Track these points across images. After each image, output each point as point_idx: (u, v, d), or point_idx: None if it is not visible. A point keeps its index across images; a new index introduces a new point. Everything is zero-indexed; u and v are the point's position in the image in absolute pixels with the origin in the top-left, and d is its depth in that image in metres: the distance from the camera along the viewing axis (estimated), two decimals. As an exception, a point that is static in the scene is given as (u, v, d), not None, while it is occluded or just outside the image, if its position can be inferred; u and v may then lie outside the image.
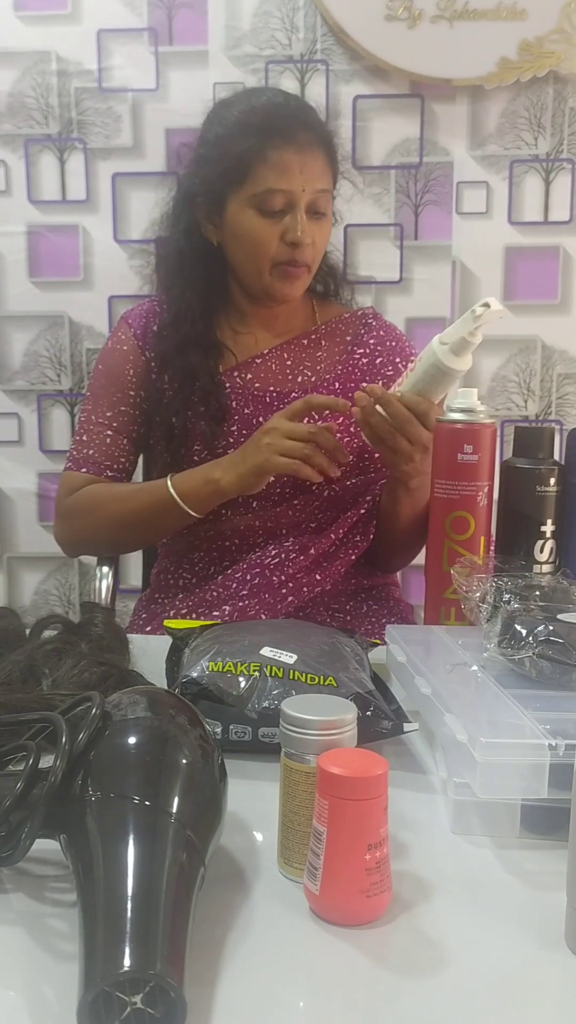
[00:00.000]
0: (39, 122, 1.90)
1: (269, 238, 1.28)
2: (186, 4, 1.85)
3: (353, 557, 1.34)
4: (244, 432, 1.31)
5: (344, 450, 1.19)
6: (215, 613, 1.27)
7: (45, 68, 1.88)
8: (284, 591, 1.28)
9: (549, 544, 1.06)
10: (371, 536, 1.36)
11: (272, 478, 1.24)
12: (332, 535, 1.31)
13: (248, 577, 1.29)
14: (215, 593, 1.31)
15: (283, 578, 1.28)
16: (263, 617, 1.25)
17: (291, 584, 1.28)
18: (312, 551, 1.29)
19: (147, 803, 0.55)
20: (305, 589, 1.29)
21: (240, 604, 1.27)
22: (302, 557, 1.29)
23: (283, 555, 1.30)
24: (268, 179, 1.26)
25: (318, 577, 1.30)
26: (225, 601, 1.29)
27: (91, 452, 1.36)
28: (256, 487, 1.23)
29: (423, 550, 1.26)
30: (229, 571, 1.32)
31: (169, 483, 1.26)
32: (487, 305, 1.02)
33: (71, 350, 1.96)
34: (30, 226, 1.93)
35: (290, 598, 1.27)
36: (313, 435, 1.16)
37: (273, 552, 1.30)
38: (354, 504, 1.34)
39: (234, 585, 1.30)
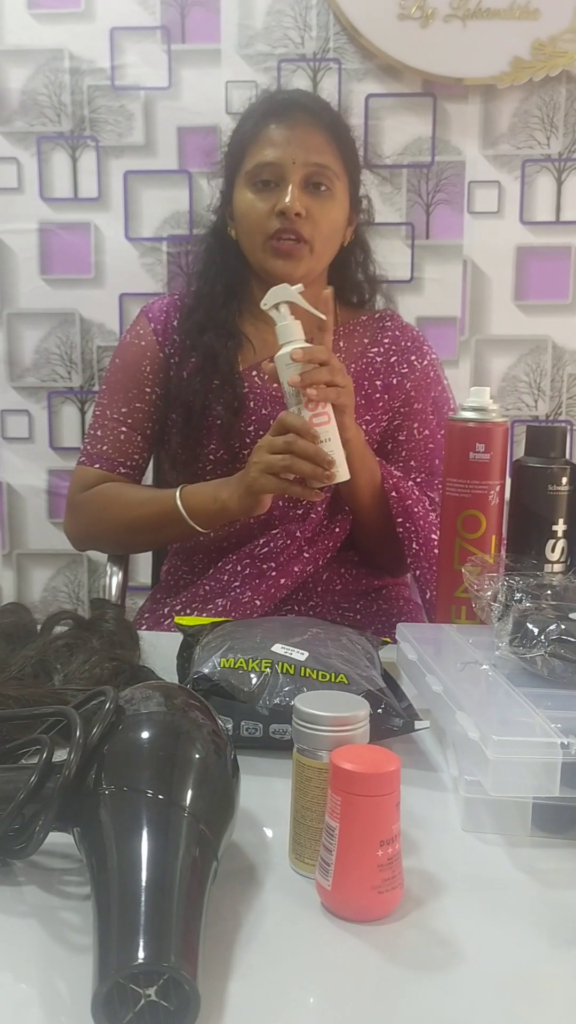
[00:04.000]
0: (51, 120, 1.90)
1: (261, 212, 1.28)
2: (199, 2, 1.85)
3: (337, 530, 1.33)
4: (261, 432, 1.31)
5: (326, 455, 1.10)
6: (209, 607, 1.28)
7: (58, 66, 1.88)
8: (275, 573, 1.28)
9: (561, 543, 1.05)
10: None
11: (271, 499, 1.21)
12: (313, 515, 1.31)
13: (239, 568, 1.30)
14: (208, 587, 1.32)
15: (273, 564, 1.29)
16: (258, 604, 1.26)
17: (282, 567, 1.29)
18: (298, 534, 1.30)
19: (160, 797, 0.56)
20: (296, 568, 1.29)
21: (233, 595, 1.28)
22: (290, 542, 1.30)
23: (272, 543, 1.31)
24: (258, 154, 1.28)
25: (307, 555, 1.30)
26: (219, 595, 1.30)
27: (104, 448, 1.37)
28: (256, 508, 1.19)
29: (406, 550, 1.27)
30: (220, 563, 1.33)
31: (178, 496, 1.25)
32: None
33: (82, 347, 1.96)
34: (42, 223, 1.93)
35: (282, 580, 1.28)
36: (289, 444, 1.10)
37: (263, 541, 1.31)
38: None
39: (226, 578, 1.31)
